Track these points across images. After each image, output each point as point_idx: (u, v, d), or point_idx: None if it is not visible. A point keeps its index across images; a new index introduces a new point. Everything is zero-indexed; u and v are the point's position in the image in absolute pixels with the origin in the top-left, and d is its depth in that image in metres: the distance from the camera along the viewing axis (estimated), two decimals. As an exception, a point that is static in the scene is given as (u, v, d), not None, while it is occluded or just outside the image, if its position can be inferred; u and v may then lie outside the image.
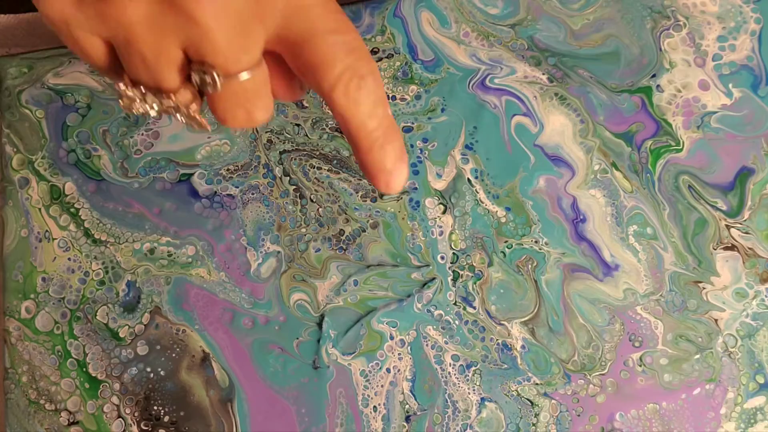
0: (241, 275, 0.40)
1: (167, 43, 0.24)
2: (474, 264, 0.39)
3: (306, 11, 0.25)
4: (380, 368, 0.39)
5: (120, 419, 0.39)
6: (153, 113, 0.27)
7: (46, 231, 0.40)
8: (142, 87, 0.26)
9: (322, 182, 0.40)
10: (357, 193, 0.40)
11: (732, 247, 0.39)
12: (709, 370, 0.38)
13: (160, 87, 0.26)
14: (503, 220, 0.39)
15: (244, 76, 0.25)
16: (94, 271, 0.40)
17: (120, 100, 0.27)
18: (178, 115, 0.27)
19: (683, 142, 0.39)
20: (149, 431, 0.39)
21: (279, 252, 0.40)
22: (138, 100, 0.27)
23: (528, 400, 0.38)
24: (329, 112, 0.40)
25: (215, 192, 0.40)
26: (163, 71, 0.25)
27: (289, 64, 0.26)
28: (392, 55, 0.40)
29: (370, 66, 0.26)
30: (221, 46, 0.24)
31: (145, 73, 0.26)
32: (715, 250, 0.39)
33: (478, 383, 0.38)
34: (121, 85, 0.26)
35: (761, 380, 0.38)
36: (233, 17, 0.24)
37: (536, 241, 0.39)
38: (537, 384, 0.38)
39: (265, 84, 0.26)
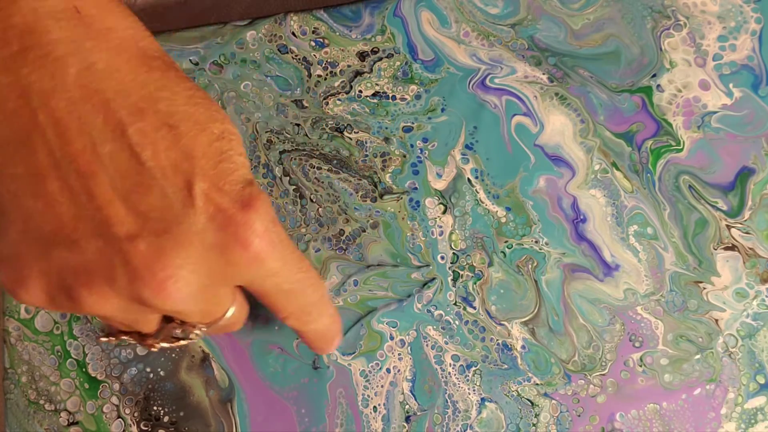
0: (241, 275, 0.40)
1: (144, 316, 0.28)
2: (474, 264, 0.39)
3: (269, 279, 0.28)
4: (380, 368, 0.39)
5: (120, 419, 0.39)
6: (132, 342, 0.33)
7: (46, 231, 0.40)
8: (123, 336, 0.32)
9: (322, 182, 0.40)
10: (357, 193, 0.40)
11: (732, 247, 0.39)
12: (710, 371, 0.38)
13: (142, 332, 0.30)
14: (503, 220, 0.39)
15: (223, 319, 0.30)
16: (93, 271, 0.40)
17: (101, 340, 0.34)
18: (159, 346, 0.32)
19: (684, 142, 0.39)
20: (149, 431, 0.39)
21: (279, 252, 0.40)
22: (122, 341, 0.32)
23: (528, 400, 0.38)
24: (329, 111, 0.40)
25: (215, 192, 0.40)
26: (148, 327, 0.30)
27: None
28: (392, 55, 0.40)
29: (328, 312, 0.33)
30: (196, 318, 0.28)
31: (126, 326, 0.30)
32: (715, 250, 0.39)
33: (478, 383, 0.38)
34: (108, 339, 0.33)
35: (762, 380, 0.38)
36: (200, 296, 0.26)
37: (536, 241, 0.39)
38: (537, 384, 0.38)
39: (242, 311, 0.32)
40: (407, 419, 0.38)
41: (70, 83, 0.24)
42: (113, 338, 0.32)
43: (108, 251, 0.24)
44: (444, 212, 0.39)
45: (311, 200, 0.40)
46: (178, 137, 0.25)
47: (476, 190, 0.39)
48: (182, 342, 0.31)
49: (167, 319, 0.30)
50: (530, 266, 0.39)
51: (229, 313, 0.30)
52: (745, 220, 0.39)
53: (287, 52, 0.41)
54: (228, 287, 0.29)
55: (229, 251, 0.26)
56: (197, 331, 0.30)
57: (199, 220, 0.25)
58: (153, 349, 0.34)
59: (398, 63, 0.40)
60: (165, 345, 0.31)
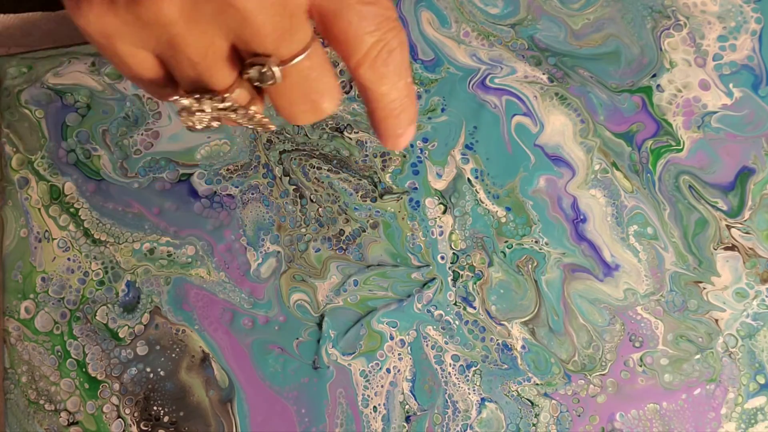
0: (241, 275, 0.40)
1: (210, 36, 0.24)
2: (474, 264, 0.39)
3: None
4: (380, 368, 0.39)
5: (120, 419, 0.39)
6: (215, 123, 0.26)
7: (46, 231, 0.40)
8: (197, 95, 0.25)
9: (322, 182, 0.40)
10: (357, 193, 0.40)
11: (732, 247, 0.38)
12: (710, 371, 0.38)
13: (214, 88, 0.25)
14: (503, 220, 0.39)
15: (299, 58, 0.24)
16: (93, 271, 0.40)
17: (181, 117, 0.26)
18: (240, 119, 0.26)
19: (684, 142, 0.39)
20: (149, 431, 0.39)
21: (279, 252, 0.40)
22: (196, 111, 0.26)
23: (528, 400, 0.38)
24: (329, 111, 0.40)
25: (215, 192, 0.40)
26: (212, 68, 0.24)
27: (321, 34, 0.25)
28: (392, 55, 0.40)
29: (399, 37, 0.25)
30: (267, 30, 0.23)
31: (196, 75, 0.25)
32: (715, 250, 0.39)
33: (478, 383, 0.38)
34: (177, 98, 0.25)
35: (762, 380, 0.38)
36: (278, 6, 0.23)
37: (536, 241, 0.39)
38: (537, 384, 0.38)
39: (324, 65, 0.25)
40: (407, 419, 0.38)
41: None
42: (190, 97, 0.25)
43: None
44: (444, 212, 0.39)
45: (311, 200, 0.40)
46: None
47: (476, 190, 0.39)
48: (254, 108, 0.26)
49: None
50: (530, 266, 0.39)
51: (305, 56, 0.24)
52: (745, 220, 0.39)
53: (287, 52, 0.41)
54: (301, 3, 0.24)
55: None
56: (274, 70, 0.24)
57: None
58: (231, 118, 0.26)
59: (398, 63, 0.40)
60: (242, 107, 0.25)
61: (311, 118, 0.26)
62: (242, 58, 0.25)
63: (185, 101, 0.25)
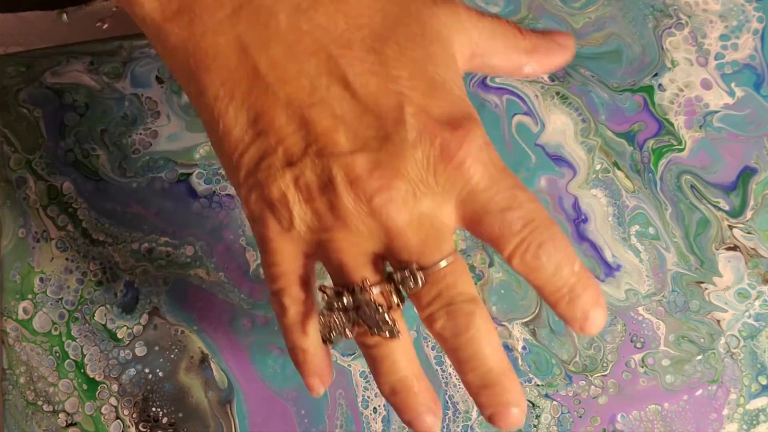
0: (241, 276, 0.40)
1: (366, 248, 0.28)
2: (475, 264, 0.39)
3: (475, 195, 0.27)
4: (380, 369, 0.39)
5: (118, 420, 0.39)
6: (348, 333, 0.29)
7: (44, 231, 0.40)
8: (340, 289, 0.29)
9: (322, 182, 0.40)
10: (357, 192, 0.40)
11: (734, 248, 0.38)
12: (712, 371, 0.38)
13: (357, 281, 0.28)
14: (504, 220, 0.39)
15: (442, 264, 0.27)
16: (92, 271, 0.40)
17: (320, 322, 0.29)
18: (373, 326, 0.28)
19: (685, 142, 0.39)
20: (148, 433, 0.39)
21: (278, 252, 0.40)
22: (336, 310, 0.28)
23: (529, 401, 0.38)
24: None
25: (214, 192, 0.40)
26: (364, 269, 0.28)
27: (470, 233, 0.28)
28: (392, 54, 0.40)
29: (549, 232, 0.27)
30: (413, 243, 0.27)
31: (344, 275, 0.28)
32: (717, 250, 0.38)
33: (478, 384, 0.38)
34: (326, 291, 0.29)
35: (764, 381, 0.38)
36: (416, 217, 0.27)
37: (537, 242, 0.39)
38: (538, 385, 0.38)
39: (464, 271, 0.28)
40: (407, 420, 0.38)
41: (282, 30, 0.27)
42: (334, 295, 0.29)
43: (330, 166, 0.27)
44: (444, 212, 0.39)
45: (311, 200, 0.40)
46: (384, 62, 0.27)
47: (477, 189, 0.39)
48: (394, 317, 0.28)
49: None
50: (531, 266, 0.39)
51: (445, 262, 0.27)
52: (747, 220, 0.39)
53: (287, 51, 0.41)
54: (445, 218, 0.28)
55: (437, 165, 0.27)
56: (417, 274, 0.27)
57: (410, 136, 0.26)
58: (367, 322, 0.29)
59: (398, 62, 0.40)
60: (380, 309, 0.28)
61: (446, 320, 0.28)
62: (390, 264, 0.28)
63: (329, 291, 0.29)
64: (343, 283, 0.28)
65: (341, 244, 0.28)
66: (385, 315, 0.28)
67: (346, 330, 0.29)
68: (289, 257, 0.29)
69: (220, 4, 0.27)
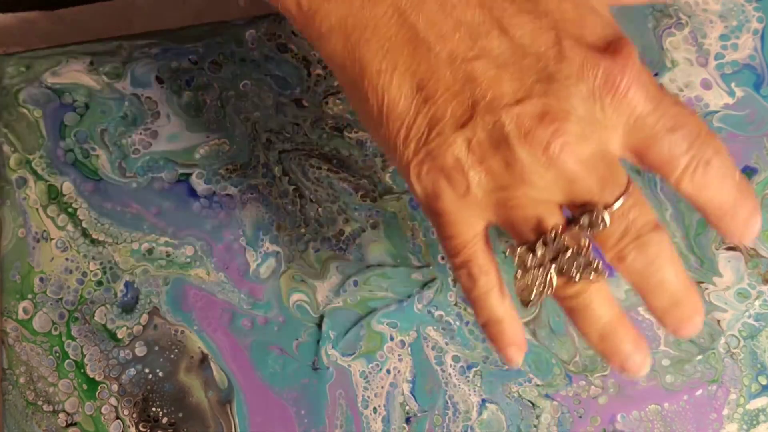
0: (240, 276, 0.40)
1: (545, 196, 0.27)
2: (475, 264, 0.39)
3: (642, 121, 0.27)
4: (380, 369, 0.39)
5: (118, 420, 0.39)
6: (549, 291, 0.28)
7: (44, 231, 0.40)
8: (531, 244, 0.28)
9: (322, 182, 0.40)
10: (357, 192, 0.40)
11: (734, 248, 0.38)
12: (712, 371, 0.38)
13: (548, 228, 0.27)
14: (504, 220, 0.39)
15: (621, 201, 0.27)
16: (92, 271, 0.40)
17: (517, 285, 0.28)
18: (576, 272, 0.28)
19: (685, 142, 0.39)
20: (148, 433, 0.39)
21: (278, 252, 0.40)
22: (531, 267, 0.28)
23: (529, 401, 0.38)
24: (329, 111, 0.40)
25: (214, 192, 0.40)
26: (551, 218, 0.27)
27: (637, 164, 0.28)
28: (392, 54, 0.40)
29: (714, 146, 0.27)
30: (592, 183, 0.27)
31: (532, 229, 0.28)
32: (717, 250, 0.38)
33: (478, 384, 0.38)
34: (513, 248, 0.28)
35: (764, 381, 0.38)
36: (590, 154, 0.27)
37: (537, 242, 0.39)
38: (538, 385, 0.38)
39: (643, 202, 0.28)
40: (407, 420, 0.38)
41: None
42: (527, 250, 0.28)
43: (501, 122, 0.26)
44: (444, 212, 0.39)
45: (311, 200, 0.40)
46: (537, 4, 0.27)
47: (477, 189, 0.39)
48: (586, 251, 0.28)
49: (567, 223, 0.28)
50: (531, 266, 0.39)
51: (625, 195, 0.27)
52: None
53: (287, 51, 0.41)
54: (614, 149, 0.27)
55: (603, 96, 0.27)
56: (603, 214, 0.27)
57: (571, 71, 0.26)
58: (570, 271, 0.28)
59: (398, 62, 0.40)
60: (578, 253, 0.27)
61: (637, 253, 0.28)
62: (571, 210, 0.28)
63: (520, 249, 0.28)
64: (533, 237, 0.28)
65: (522, 200, 0.27)
66: (591, 255, 0.27)
67: (547, 287, 0.28)
68: (468, 226, 0.28)
69: None
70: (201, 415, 0.39)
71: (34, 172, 0.41)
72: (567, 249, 0.27)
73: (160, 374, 0.39)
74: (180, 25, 0.42)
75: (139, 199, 0.40)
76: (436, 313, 0.39)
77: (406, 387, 0.38)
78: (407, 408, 0.38)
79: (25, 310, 0.40)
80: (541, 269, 0.28)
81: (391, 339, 0.39)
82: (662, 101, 0.27)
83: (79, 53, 0.41)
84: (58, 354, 0.40)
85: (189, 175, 0.40)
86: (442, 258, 0.39)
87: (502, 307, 0.29)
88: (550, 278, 0.28)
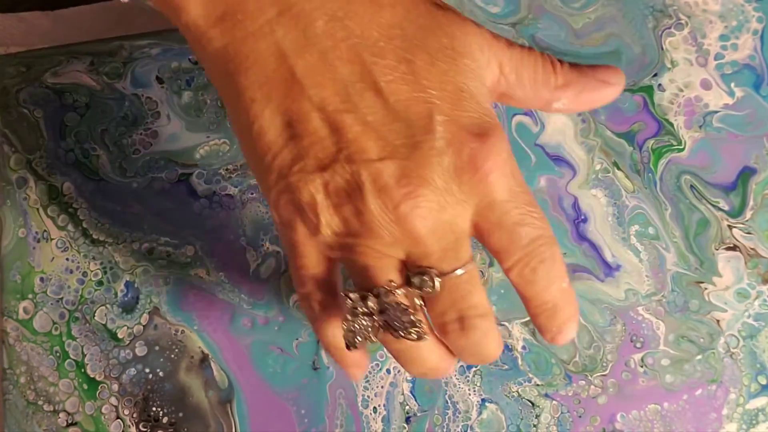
0: (241, 276, 0.40)
1: (388, 251, 0.28)
2: (474, 264, 0.39)
3: (493, 206, 0.28)
4: (380, 369, 0.39)
5: (119, 420, 0.39)
6: (373, 338, 0.29)
7: (44, 231, 0.40)
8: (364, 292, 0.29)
9: (322, 182, 0.40)
10: (357, 192, 0.40)
11: (734, 248, 0.38)
12: (711, 371, 0.38)
13: (381, 284, 0.28)
14: (504, 220, 0.39)
15: (458, 272, 0.28)
16: (92, 271, 0.40)
17: (343, 328, 0.29)
18: (402, 331, 0.29)
19: (685, 142, 0.39)
20: (148, 432, 0.39)
21: (278, 252, 0.40)
22: (360, 314, 0.29)
23: (529, 401, 0.38)
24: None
25: (214, 192, 0.40)
26: (388, 273, 0.28)
27: (479, 241, 0.29)
28: (392, 54, 0.40)
29: (551, 251, 0.29)
30: (434, 249, 0.28)
31: (368, 276, 0.29)
32: (717, 250, 0.38)
33: (478, 384, 0.38)
34: (346, 294, 0.29)
35: (763, 381, 0.38)
36: (439, 225, 0.27)
37: (537, 242, 0.39)
38: (538, 385, 0.38)
39: (477, 282, 0.29)
40: (407, 420, 0.38)
41: (319, 35, 0.28)
42: (357, 296, 0.29)
43: (359, 172, 0.27)
44: (444, 212, 0.39)
45: (311, 200, 0.40)
46: (415, 71, 0.28)
47: (477, 190, 0.39)
48: (419, 318, 0.29)
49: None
50: (531, 266, 0.39)
51: (461, 271, 0.28)
52: (747, 220, 0.39)
53: (287, 52, 0.41)
54: (464, 225, 0.28)
55: (462, 173, 0.27)
56: (435, 279, 0.28)
57: (438, 144, 0.27)
58: (395, 327, 0.29)
59: (398, 62, 0.40)
60: (405, 311, 0.29)
61: (459, 333, 0.29)
62: (408, 269, 0.29)
63: (353, 295, 0.29)
64: (368, 287, 0.29)
65: (366, 249, 0.28)
66: (412, 316, 0.28)
67: (370, 334, 0.29)
68: (316, 261, 0.29)
69: (262, 11, 0.28)
70: (201, 414, 0.39)
71: (35, 172, 0.41)
72: (396, 306, 0.28)
73: (161, 374, 0.39)
74: (180, 25, 0.42)
75: (139, 199, 0.40)
76: (436, 313, 0.39)
77: (406, 387, 0.38)
78: (407, 407, 0.38)
79: (25, 310, 0.40)
80: (369, 318, 0.29)
81: (391, 339, 0.39)
82: (519, 195, 0.28)
83: (80, 53, 0.41)
84: (58, 354, 0.40)
85: (189, 175, 0.40)
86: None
87: (339, 337, 0.30)
88: (375, 329, 0.29)
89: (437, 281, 0.28)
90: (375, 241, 0.28)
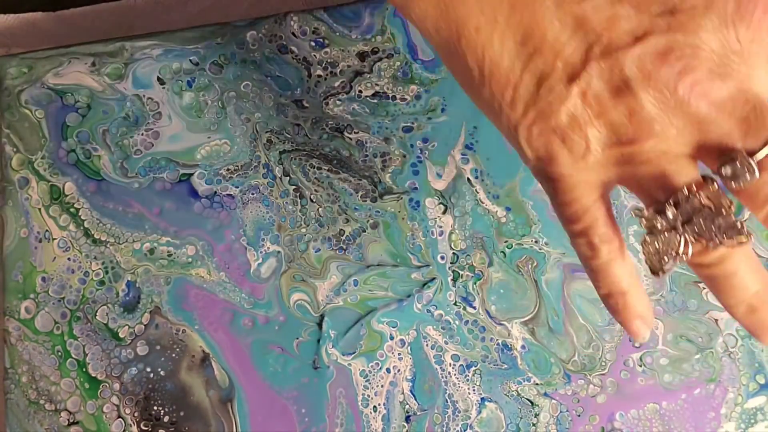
0: (241, 275, 0.40)
1: (677, 150, 0.24)
2: (474, 264, 0.39)
3: None
4: (380, 368, 0.39)
5: (120, 419, 0.39)
6: (682, 254, 0.25)
7: (46, 231, 0.40)
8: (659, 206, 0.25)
9: (322, 182, 0.40)
10: (357, 193, 0.40)
11: (732, 247, 0.38)
12: (710, 370, 0.38)
13: (679, 184, 0.24)
14: (503, 220, 0.39)
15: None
16: (93, 271, 0.40)
17: (644, 253, 0.25)
18: (713, 231, 0.24)
19: (683, 142, 0.39)
20: (149, 431, 0.39)
21: (279, 252, 0.40)
22: (660, 231, 0.24)
23: (528, 400, 0.38)
24: (329, 112, 0.40)
25: (215, 192, 0.40)
26: (684, 173, 0.24)
27: None
28: (392, 55, 0.40)
29: None
30: (732, 125, 0.23)
31: (661, 188, 0.24)
32: (715, 250, 0.38)
33: (478, 383, 0.38)
34: (642, 215, 0.25)
35: (761, 380, 0.38)
36: (737, 99, 0.23)
37: (536, 241, 0.39)
38: (537, 384, 0.38)
39: None
40: (407, 419, 0.38)
41: None
42: (655, 213, 0.25)
43: (620, 64, 0.23)
44: (444, 212, 0.39)
45: (311, 200, 0.40)
46: None
47: (476, 190, 0.40)
48: (738, 221, 0.24)
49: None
50: (530, 266, 0.39)
51: None
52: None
53: (287, 53, 0.41)
54: (759, 86, 0.24)
55: (739, 23, 0.23)
56: (750, 161, 0.23)
57: (698, 1, 0.23)
58: (702, 231, 0.24)
59: (398, 63, 0.40)
60: (714, 211, 0.24)
61: None
62: (706, 162, 0.24)
63: (647, 213, 0.25)
64: (662, 198, 0.24)
65: (649, 155, 0.24)
66: (732, 216, 0.24)
67: (680, 250, 0.24)
68: (588, 189, 0.25)
69: None
70: (202, 413, 0.39)
71: (37, 173, 0.41)
72: (704, 209, 0.24)
73: (162, 373, 0.39)
74: (181, 26, 0.42)
75: (140, 199, 0.40)
76: (436, 313, 0.39)
77: (405, 386, 0.39)
78: (407, 407, 0.38)
79: (27, 310, 0.40)
80: (673, 233, 0.24)
81: (391, 338, 0.39)
82: None
83: (82, 54, 0.42)
84: (60, 353, 0.40)
85: (190, 175, 0.41)
86: (442, 258, 0.39)
87: (626, 277, 0.26)
88: (685, 243, 0.24)
89: (754, 163, 0.23)
90: (658, 141, 0.24)
